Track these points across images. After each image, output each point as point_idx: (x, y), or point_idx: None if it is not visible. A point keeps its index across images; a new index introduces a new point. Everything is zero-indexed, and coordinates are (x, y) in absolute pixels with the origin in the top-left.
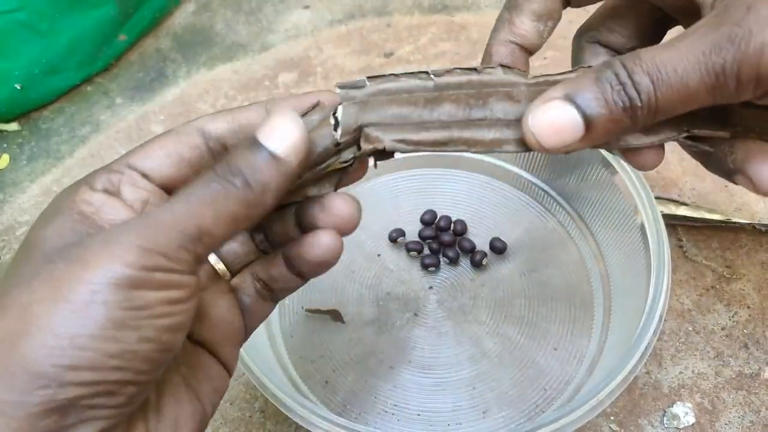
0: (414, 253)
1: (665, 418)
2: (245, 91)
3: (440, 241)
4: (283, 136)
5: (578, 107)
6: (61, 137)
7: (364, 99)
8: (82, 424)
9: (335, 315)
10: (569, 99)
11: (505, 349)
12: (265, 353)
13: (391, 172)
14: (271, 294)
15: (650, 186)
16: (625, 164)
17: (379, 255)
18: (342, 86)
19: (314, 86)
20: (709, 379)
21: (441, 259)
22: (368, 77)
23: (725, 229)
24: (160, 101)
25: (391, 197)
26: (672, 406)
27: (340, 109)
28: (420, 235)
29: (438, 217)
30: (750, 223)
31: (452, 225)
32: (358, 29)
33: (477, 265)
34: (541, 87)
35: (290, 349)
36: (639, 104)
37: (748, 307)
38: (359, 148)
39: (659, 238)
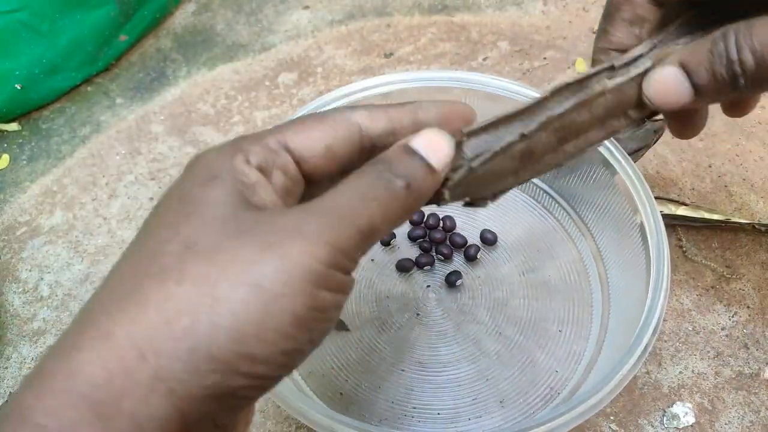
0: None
1: (665, 418)
2: (246, 91)
3: (431, 239)
4: (440, 150)
5: (690, 76)
6: (62, 137)
7: (474, 167)
8: (223, 414)
9: (339, 325)
10: (684, 67)
11: (505, 348)
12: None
13: None
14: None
15: (650, 186)
16: (625, 164)
17: (372, 260)
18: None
19: (314, 87)
20: (709, 379)
21: (435, 257)
22: (467, 133)
23: (725, 229)
24: (160, 101)
25: None
26: (672, 406)
27: (454, 176)
28: (410, 236)
29: (425, 215)
30: (750, 223)
31: (440, 222)
32: (358, 29)
33: (471, 258)
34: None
35: (299, 366)
36: (742, 82)
37: (748, 307)
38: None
39: (659, 237)
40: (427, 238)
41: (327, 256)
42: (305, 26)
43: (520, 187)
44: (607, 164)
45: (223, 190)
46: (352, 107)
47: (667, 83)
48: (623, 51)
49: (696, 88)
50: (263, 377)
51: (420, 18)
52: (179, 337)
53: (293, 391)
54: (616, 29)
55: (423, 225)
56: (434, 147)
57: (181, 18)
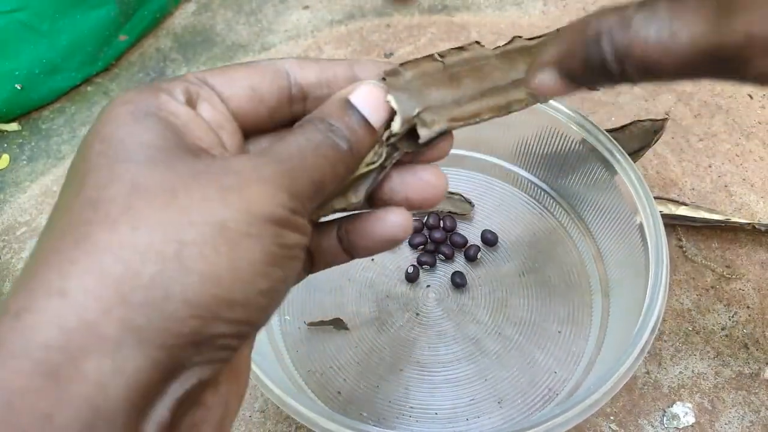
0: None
1: (665, 418)
2: None
3: (432, 239)
4: (379, 106)
5: (561, 70)
6: (62, 137)
7: (406, 86)
8: (200, 366)
9: (338, 323)
10: (557, 65)
11: (504, 348)
12: (277, 373)
13: None
14: (307, 268)
15: (650, 186)
16: (625, 164)
17: (372, 260)
18: (385, 74)
19: None
20: (709, 379)
21: (436, 257)
22: (400, 64)
23: (725, 229)
24: None
25: None
26: (672, 406)
27: (391, 98)
28: (410, 243)
29: (426, 217)
30: (750, 223)
31: (441, 221)
32: (358, 29)
33: (471, 259)
34: (509, 55)
35: (297, 364)
36: (613, 74)
37: (748, 307)
38: (409, 138)
39: (658, 237)
40: (428, 240)
41: (287, 201)
42: (305, 26)
43: (520, 187)
44: (607, 164)
45: (156, 131)
46: (282, 58)
47: (545, 80)
48: None
49: (568, 79)
50: (243, 322)
51: (420, 18)
52: (148, 285)
53: (291, 391)
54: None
55: (423, 229)
56: (373, 103)
57: (181, 18)
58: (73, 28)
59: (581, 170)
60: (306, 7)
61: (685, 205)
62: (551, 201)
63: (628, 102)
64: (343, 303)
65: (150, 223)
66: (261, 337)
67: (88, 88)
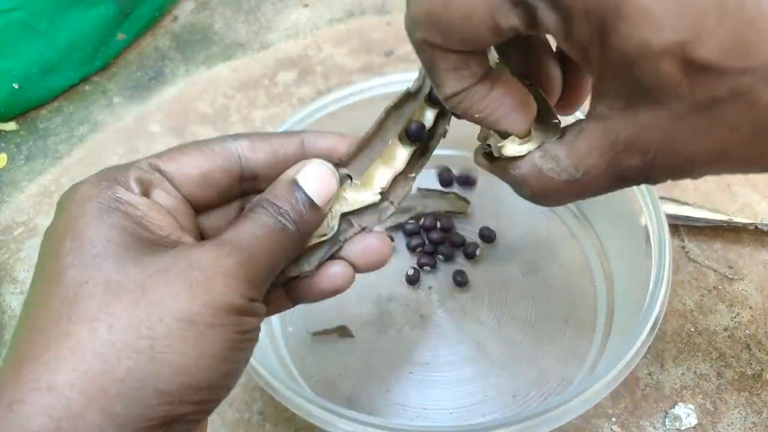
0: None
1: (667, 419)
2: (244, 90)
3: (430, 240)
4: (324, 185)
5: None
6: (59, 137)
7: (356, 162)
8: None
9: (342, 331)
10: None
11: (507, 350)
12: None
13: None
14: None
15: (653, 186)
16: None
17: None
18: (339, 160)
19: (313, 85)
20: (711, 381)
21: (436, 258)
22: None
23: (727, 229)
24: (158, 100)
25: None
26: (674, 408)
27: (335, 180)
28: (408, 246)
29: (422, 219)
30: (752, 224)
31: (437, 221)
32: (358, 28)
33: (470, 256)
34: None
35: (305, 375)
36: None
37: (751, 308)
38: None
39: (661, 237)
40: (426, 242)
41: (246, 291)
42: (304, 24)
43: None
44: None
45: (121, 226)
46: (234, 135)
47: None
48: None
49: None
50: (207, 401)
51: None
52: (125, 378)
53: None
54: (446, 81)
55: (420, 231)
56: (319, 182)
57: (180, 17)
58: (71, 27)
59: None
60: (305, 5)
61: (688, 205)
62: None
63: None
64: (345, 309)
65: (123, 322)
66: (267, 350)
67: (86, 88)
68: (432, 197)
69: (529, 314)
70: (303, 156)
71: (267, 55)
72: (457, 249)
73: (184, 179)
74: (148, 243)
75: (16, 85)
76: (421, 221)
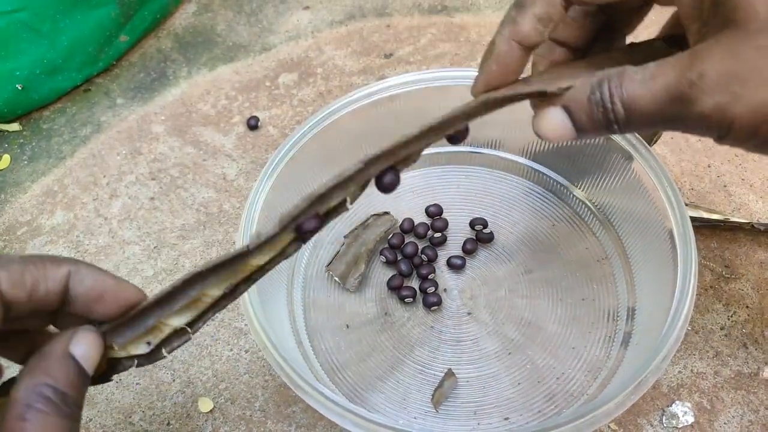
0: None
1: (664, 417)
2: (246, 92)
3: (406, 255)
4: (93, 355)
5: (572, 118)
6: (62, 137)
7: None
8: None
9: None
10: (566, 110)
11: (507, 353)
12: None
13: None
14: None
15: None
16: (654, 163)
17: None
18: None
19: (314, 87)
20: (708, 379)
21: (435, 267)
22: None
23: (724, 228)
24: (161, 102)
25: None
26: (671, 406)
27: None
28: (390, 286)
29: (414, 223)
30: (748, 223)
31: (430, 228)
32: (358, 30)
33: (470, 252)
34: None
35: (331, 375)
36: (616, 126)
37: (747, 307)
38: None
39: (687, 244)
40: (421, 255)
41: None
42: (305, 27)
43: (524, 180)
44: (627, 156)
45: None
46: None
47: (553, 123)
48: (523, 44)
49: (577, 127)
50: None
51: (420, 18)
52: None
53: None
54: (525, 21)
55: (397, 260)
56: (89, 353)
57: (182, 18)
58: (74, 28)
59: (607, 171)
60: (306, 8)
61: (685, 204)
62: (578, 201)
63: None
64: (350, 318)
65: None
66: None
67: (90, 89)
68: (369, 227)
69: (527, 314)
70: (73, 295)
71: (268, 56)
72: (440, 247)
73: None
74: None
75: (19, 86)
76: (413, 226)
